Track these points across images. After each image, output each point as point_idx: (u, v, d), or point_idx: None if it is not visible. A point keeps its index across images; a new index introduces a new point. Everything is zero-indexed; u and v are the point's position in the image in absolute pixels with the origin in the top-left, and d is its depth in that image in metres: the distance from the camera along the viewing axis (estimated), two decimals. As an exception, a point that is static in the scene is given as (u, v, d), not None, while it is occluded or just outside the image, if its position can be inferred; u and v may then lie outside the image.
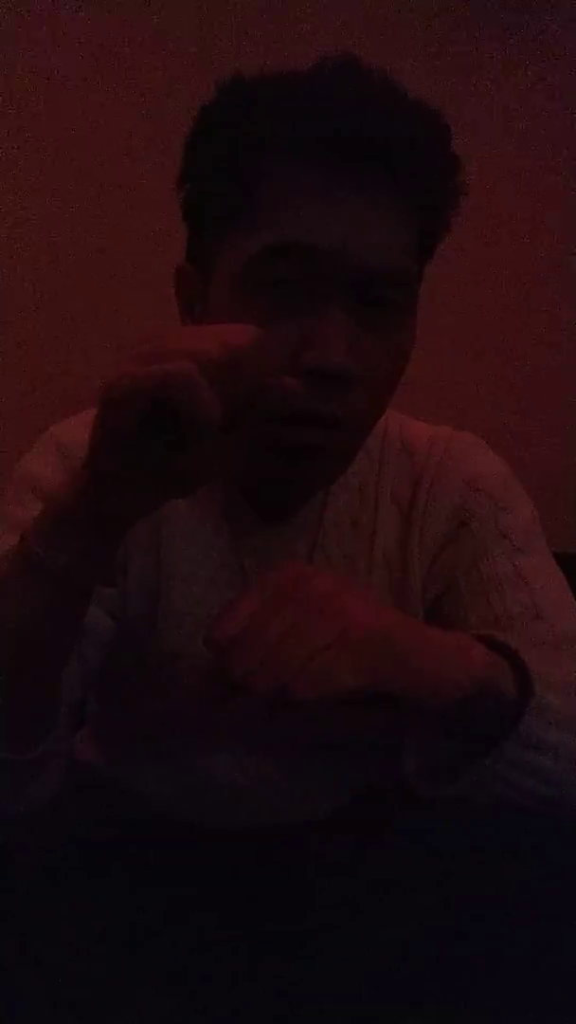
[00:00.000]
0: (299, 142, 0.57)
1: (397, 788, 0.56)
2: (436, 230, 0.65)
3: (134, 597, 0.73)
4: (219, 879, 0.61)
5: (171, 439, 0.46)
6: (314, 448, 0.62)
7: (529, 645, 0.65)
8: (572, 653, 0.65)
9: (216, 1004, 0.49)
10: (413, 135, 0.58)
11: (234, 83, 0.61)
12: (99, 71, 1.23)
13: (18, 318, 1.24)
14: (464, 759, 0.55)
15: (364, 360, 0.60)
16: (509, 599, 0.70)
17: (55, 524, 0.52)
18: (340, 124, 0.56)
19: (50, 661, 0.57)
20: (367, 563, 0.76)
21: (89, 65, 1.24)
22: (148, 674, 0.74)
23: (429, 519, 0.75)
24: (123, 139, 1.26)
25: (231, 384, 0.45)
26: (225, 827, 0.74)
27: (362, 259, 0.58)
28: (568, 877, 0.57)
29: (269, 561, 0.75)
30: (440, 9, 1.39)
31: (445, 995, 0.50)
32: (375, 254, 0.58)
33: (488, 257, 1.47)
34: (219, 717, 0.73)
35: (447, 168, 0.62)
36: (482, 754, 0.53)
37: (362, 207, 0.58)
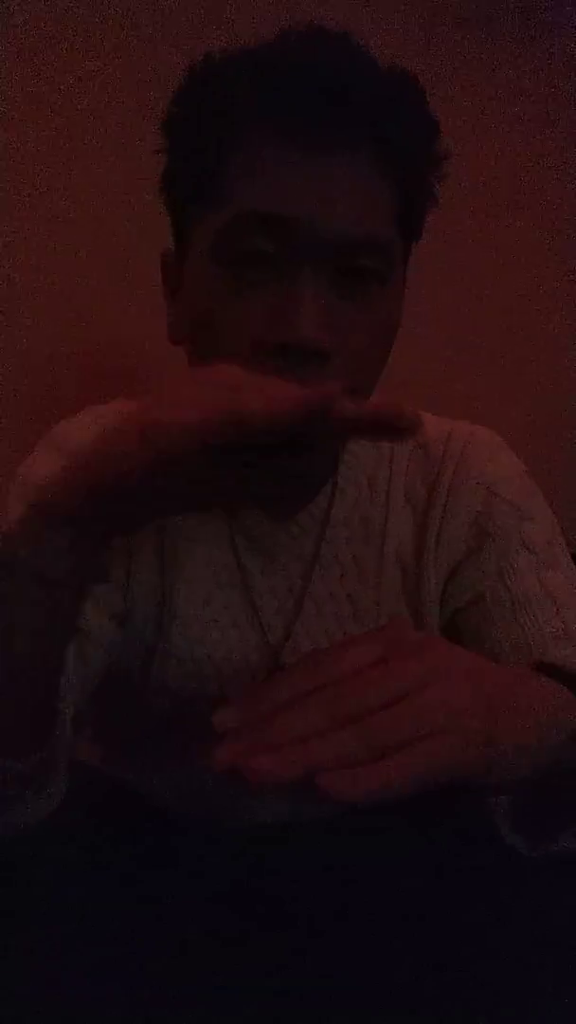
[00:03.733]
0: (264, 109, 0.56)
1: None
2: (417, 198, 0.62)
3: (139, 600, 0.72)
4: (219, 879, 0.60)
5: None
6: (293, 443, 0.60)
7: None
8: None
9: (216, 1004, 0.48)
10: (381, 97, 0.56)
11: (202, 61, 0.60)
12: (98, 68, 1.25)
13: (19, 317, 1.25)
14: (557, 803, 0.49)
15: (340, 334, 0.57)
16: (540, 619, 0.67)
17: (47, 527, 0.49)
18: (303, 89, 0.55)
19: (44, 665, 0.55)
20: (377, 563, 0.73)
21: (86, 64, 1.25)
22: (153, 676, 0.73)
23: (447, 524, 0.73)
24: (120, 134, 1.27)
25: None
26: (225, 827, 0.72)
27: (333, 226, 0.56)
28: (569, 876, 0.54)
29: (274, 561, 0.73)
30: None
31: (445, 996, 0.48)
32: (347, 221, 0.56)
33: (488, 254, 1.42)
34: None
35: (422, 130, 0.59)
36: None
37: (331, 173, 0.56)
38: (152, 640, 0.72)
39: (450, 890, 0.56)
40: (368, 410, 0.40)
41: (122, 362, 1.26)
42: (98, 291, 1.28)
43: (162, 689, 0.73)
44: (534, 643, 0.66)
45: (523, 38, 1.41)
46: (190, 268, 0.62)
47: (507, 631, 0.68)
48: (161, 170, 0.65)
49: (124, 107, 1.26)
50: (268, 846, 0.63)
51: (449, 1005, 0.48)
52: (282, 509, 0.73)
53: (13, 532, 0.50)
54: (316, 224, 0.55)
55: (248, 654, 0.73)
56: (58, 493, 0.48)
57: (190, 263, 0.62)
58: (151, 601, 0.72)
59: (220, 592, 0.73)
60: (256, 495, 0.63)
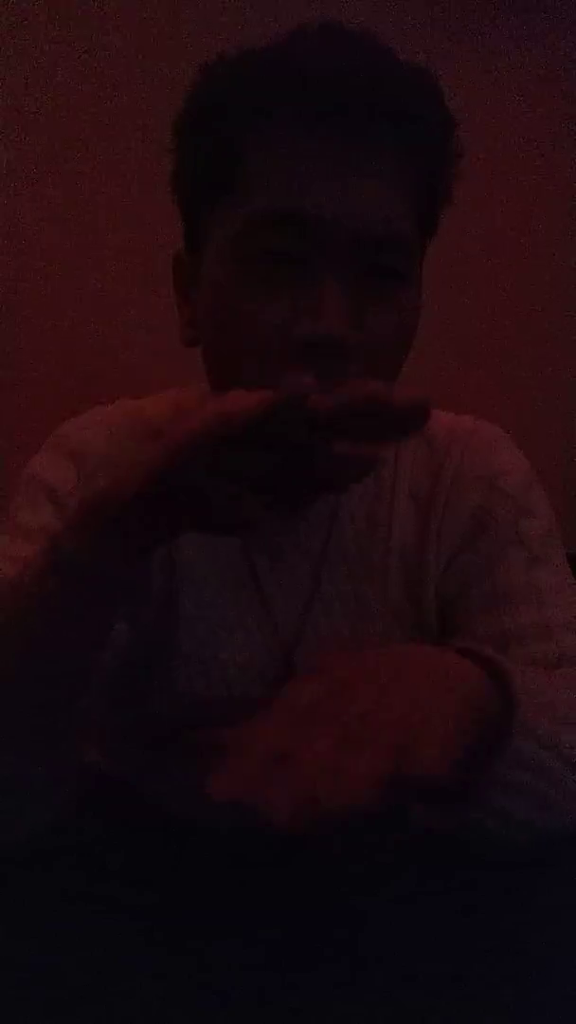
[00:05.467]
0: (283, 106, 0.56)
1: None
2: (435, 195, 0.62)
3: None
4: (219, 879, 0.60)
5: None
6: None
7: (531, 663, 0.65)
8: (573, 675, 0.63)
9: (216, 1004, 0.47)
10: (402, 94, 0.56)
11: (216, 60, 0.60)
12: (99, 65, 1.25)
13: (19, 315, 1.24)
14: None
15: (364, 330, 0.57)
16: (520, 614, 0.68)
17: (98, 535, 0.49)
18: (325, 86, 0.55)
19: (74, 671, 0.55)
20: (382, 559, 0.73)
21: (88, 61, 1.25)
22: (159, 676, 0.72)
23: (448, 516, 0.73)
24: (122, 132, 1.27)
25: None
26: (225, 827, 0.71)
27: (357, 224, 0.56)
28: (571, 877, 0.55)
29: (282, 559, 0.73)
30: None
31: (449, 999, 0.48)
32: (370, 218, 0.56)
33: (490, 250, 1.43)
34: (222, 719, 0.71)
35: (441, 127, 0.60)
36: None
37: (354, 171, 0.56)
38: (159, 640, 0.72)
39: (452, 890, 0.56)
40: (402, 397, 0.43)
41: (121, 363, 1.25)
42: (98, 290, 1.27)
43: (168, 689, 0.72)
44: (512, 637, 0.67)
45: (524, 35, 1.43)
46: (209, 267, 0.62)
47: (487, 624, 0.69)
48: (170, 171, 0.64)
49: (125, 112, 1.26)
50: (269, 847, 0.62)
51: (455, 1010, 0.47)
52: (289, 507, 0.73)
53: (67, 537, 0.50)
54: (341, 222, 0.55)
55: (256, 653, 0.72)
56: (113, 501, 0.48)
57: (208, 262, 0.62)
58: (158, 601, 0.72)
59: (228, 592, 0.72)
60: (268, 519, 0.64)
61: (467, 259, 1.32)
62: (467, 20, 1.41)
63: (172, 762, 0.74)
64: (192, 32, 1.26)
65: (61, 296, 1.27)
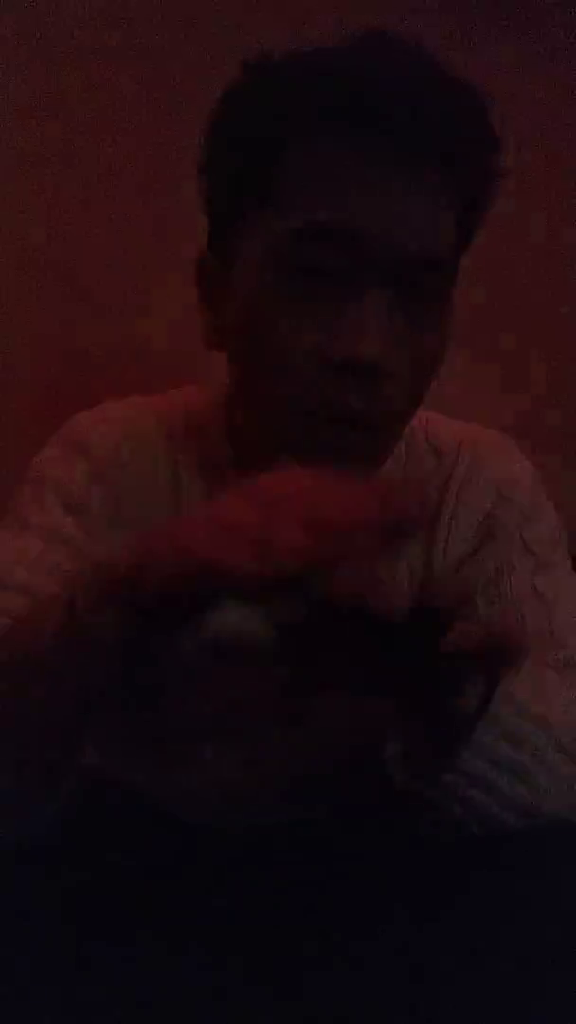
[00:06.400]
0: (327, 115, 0.54)
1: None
2: (476, 214, 0.61)
3: None
4: (219, 879, 0.60)
5: None
6: (344, 452, 0.59)
7: (535, 666, 0.65)
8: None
9: (216, 1003, 0.48)
10: (452, 110, 0.54)
11: (259, 60, 0.58)
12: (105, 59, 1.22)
13: (19, 314, 1.21)
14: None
15: (399, 354, 0.56)
16: (526, 620, 0.68)
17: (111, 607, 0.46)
18: (374, 97, 0.53)
19: (80, 714, 0.52)
20: (390, 571, 0.73)
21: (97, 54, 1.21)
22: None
23: (456, 526, 0.72)
24: (122, 132, 1.24)
25: None
26: (225, 827, 0.70)
27: (401, 243, 0.54)
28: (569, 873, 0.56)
29: None
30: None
31: (447, 998, 0.48)
32: (414, 237, 0.55)
33: (492, 246, 1.45)
34: (223, 716, 0.70)
35: (487, 146, 0.58)
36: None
37: (399, 187, 0.54)
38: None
39: (453, 890, 0.56)
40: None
41: (129, 361, 1.23)
42: (101, 288, 1.25)
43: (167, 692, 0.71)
44: None
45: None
46: (241, 278, 0.60)
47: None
48: (198, 166, 0.62)
49: (131, 105, 1.22)
50: (269, 848, 0.63)
51: (453, 1010, 0.48)
52: None
53: (80, 600, 0.47)
54: (387, 241, 0.54)
55: None
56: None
57: (240, 272, 0.60)
58: None
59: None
60: None
61: (470, 258, 1.33)
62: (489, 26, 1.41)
63: (172, 763, 0.73)
64: (191, 31, 1.24)
65: (61, 289, 1.24)
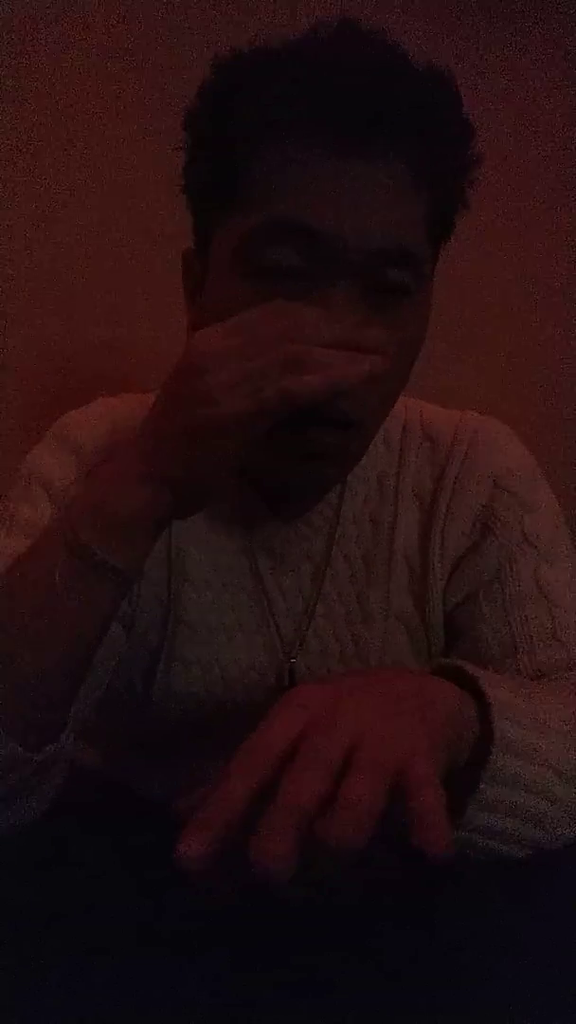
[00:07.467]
0: (292, 112, 0.53)
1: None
2: (450, 205, 0.60)
3: (145, 606, 0.70)
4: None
5: None
6: (326, 451, 0.59)
7: (539, 669, 0.65)
8: None
9: (216, 1004, 0.47)
10: (417, 100, 0.54)
11: (229, 57, 0.58)
12: (104, 58, 1.23)
13: (20, 312, 1.23)
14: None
15: (370, 351, 0.55)
16: (529, 619, 0.67)
17: (111, 526, 0.52)
18: (339, 91, 0.52)
19: (77, 656, 0.55)
20: (386, 561, 0.72)
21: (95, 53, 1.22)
22: (158, 680, 0.71)
23: (452, 516, 0.72)
24: (127, 127, 1.25)
25: None
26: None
27: (367, 238, 0.54)
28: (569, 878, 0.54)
29: (284, 562, 0.72)
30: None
31: (447, 999, 0.48)
32: (381, 232, 0.54)
33: (491, 246, 1.43)
34: (224, 721, 0.70)
35: (457, 135, 0.57)
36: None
37: (364, 181, 0.54)
38: (157, 644, 0.71)
39: (453, 889, 0.55)
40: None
41: (119, 360, 1.24)
42: (101, 287, 1.26)
43: (167, 693, 0.71)
44: (522, 643, 0.66)
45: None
46: (214, 275, 0.60)
47: (496, 630, 0.68)
48: (181, 167, 0.63)
49: (128, 105, 1.24)
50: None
51: (453, 1012, 0.47)
52: (292, 509, 0.72)
53: (76, 533, 0.52)
54: (348, 238, 0.53)
55: (256, 656, 0.72)
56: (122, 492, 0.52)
57: (213, 270, 0.60)
58: (157, 605, 0.71)
59: (228, 595, 0.72)
60: (285, 476, 0.65)
61: (468, 256, 1.32)
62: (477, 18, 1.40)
63: (173, 765, 0.74)
64: (191, 29, 1.25)
65: (61, 286, 1.25)
